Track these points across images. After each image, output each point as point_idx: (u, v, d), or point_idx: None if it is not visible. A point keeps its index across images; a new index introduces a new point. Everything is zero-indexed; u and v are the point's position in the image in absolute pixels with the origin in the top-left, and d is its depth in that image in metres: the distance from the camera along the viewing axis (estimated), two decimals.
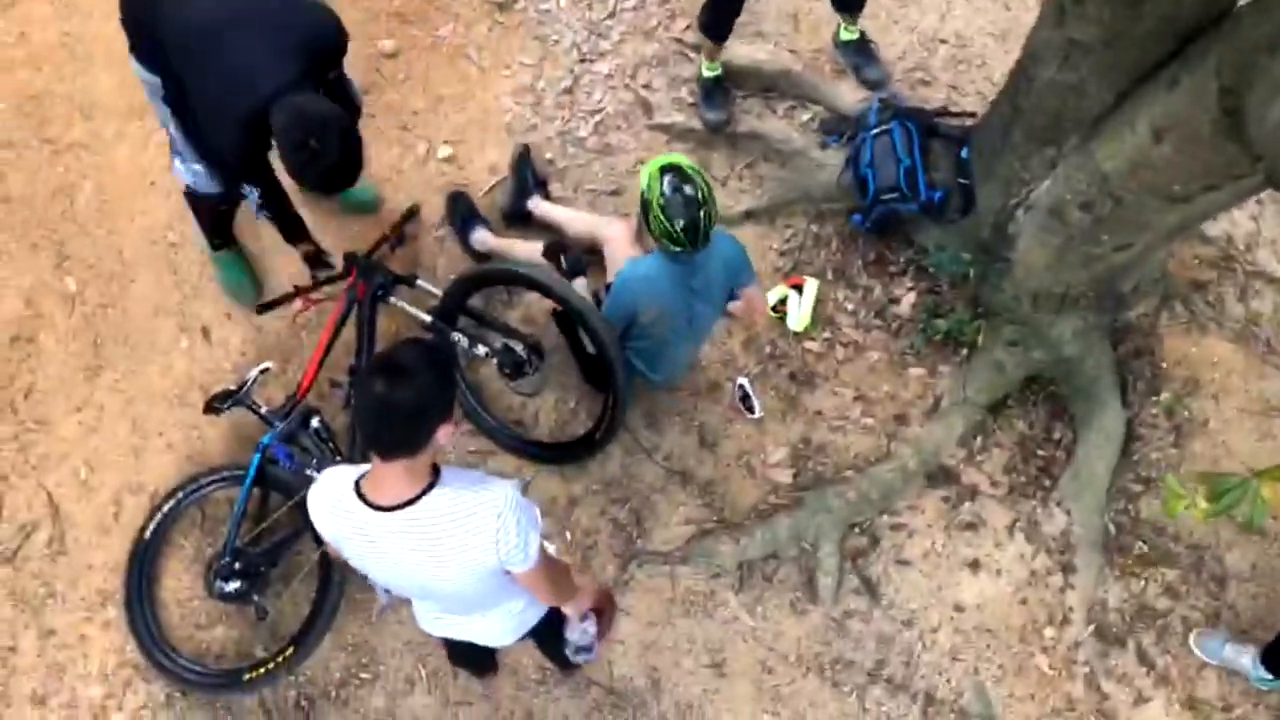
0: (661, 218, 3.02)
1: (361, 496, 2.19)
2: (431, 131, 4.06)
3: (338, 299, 3.51)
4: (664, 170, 3.07)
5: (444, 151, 4.04)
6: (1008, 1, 4.28)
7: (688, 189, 3.02)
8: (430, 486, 2.18)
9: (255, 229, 3.80)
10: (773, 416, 3.81)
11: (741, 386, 3.80)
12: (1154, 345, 3.88)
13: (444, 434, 2.11)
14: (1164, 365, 3.88)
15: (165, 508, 3.48)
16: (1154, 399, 3.83)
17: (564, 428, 3.76)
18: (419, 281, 3.59)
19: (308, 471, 3.36)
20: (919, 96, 4.10)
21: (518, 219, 3.91)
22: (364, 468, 2.24)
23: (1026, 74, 3.22)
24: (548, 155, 4.07)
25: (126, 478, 3.64)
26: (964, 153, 3.70)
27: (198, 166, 3.31)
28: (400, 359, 2.10)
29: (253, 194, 3.17)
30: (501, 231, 3.91)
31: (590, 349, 3.40)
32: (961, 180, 3.70)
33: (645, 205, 3.08)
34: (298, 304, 3.50)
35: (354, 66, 4.06)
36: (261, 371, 3.47)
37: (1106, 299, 3.69)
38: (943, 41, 4.23)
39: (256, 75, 2.80)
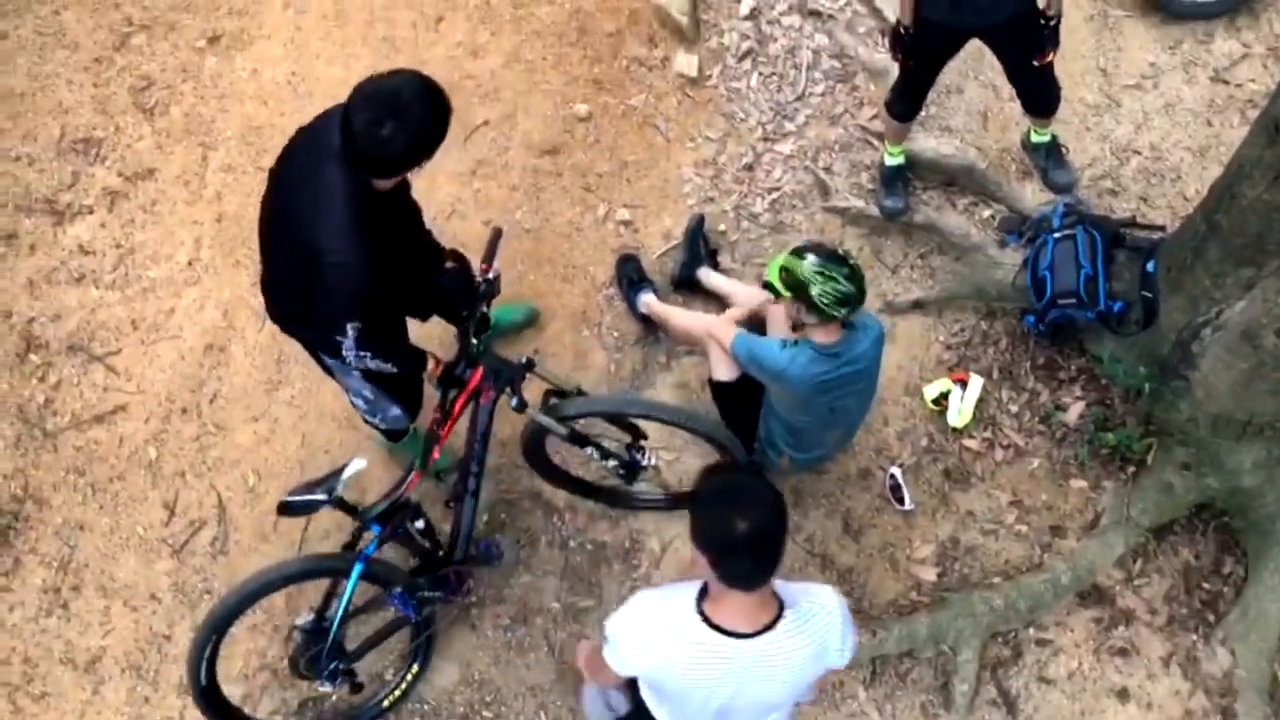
0: (826, 286, 2.90)
1: (713, 625, 2.15)
2: (613, 195, 4.21)
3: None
4: (794, 255, 3.00)
5: (622, 214, 4.17)
6: (1210, 118, 4.18)
7: (825, 254, 2.96)
8: (781, 606, 2.17)
9: None
10: (923, 511, 3.73)
11: (893, 476, 3.75)
12: None
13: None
14: None
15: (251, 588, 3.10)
16: None
17: None
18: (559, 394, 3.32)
19: (417, 580, 3.30)
20: (1106, 206, 4.03)
21: (685, 286, 3.99)
22: (688, 590, 2.21)
23: (1230, 191, 3.13)
24: (721, 227, 4.16)
25: (290, 489, 3.81)
26: (1150, 265, 3.60)
27: (393, 411, 3.36)
28: (742, 486, 2.09)
29: (349, 336, 2.79)
30: (667, 297, 3.99)
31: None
32: (1145, 293, 3.60)
33: (799, 290, 2.95)
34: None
35: (548, 126, 4.30)
36: (353, 470, 3.00)
37: None
38: (1136, 152, 4.15)
39: (321, 170, 2.66)
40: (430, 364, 3.12)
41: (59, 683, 3.61)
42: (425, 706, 3.55)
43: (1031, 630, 3.59)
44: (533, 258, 4.12)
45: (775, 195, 4.21)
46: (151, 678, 3.61)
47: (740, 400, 3.44)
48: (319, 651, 3.15)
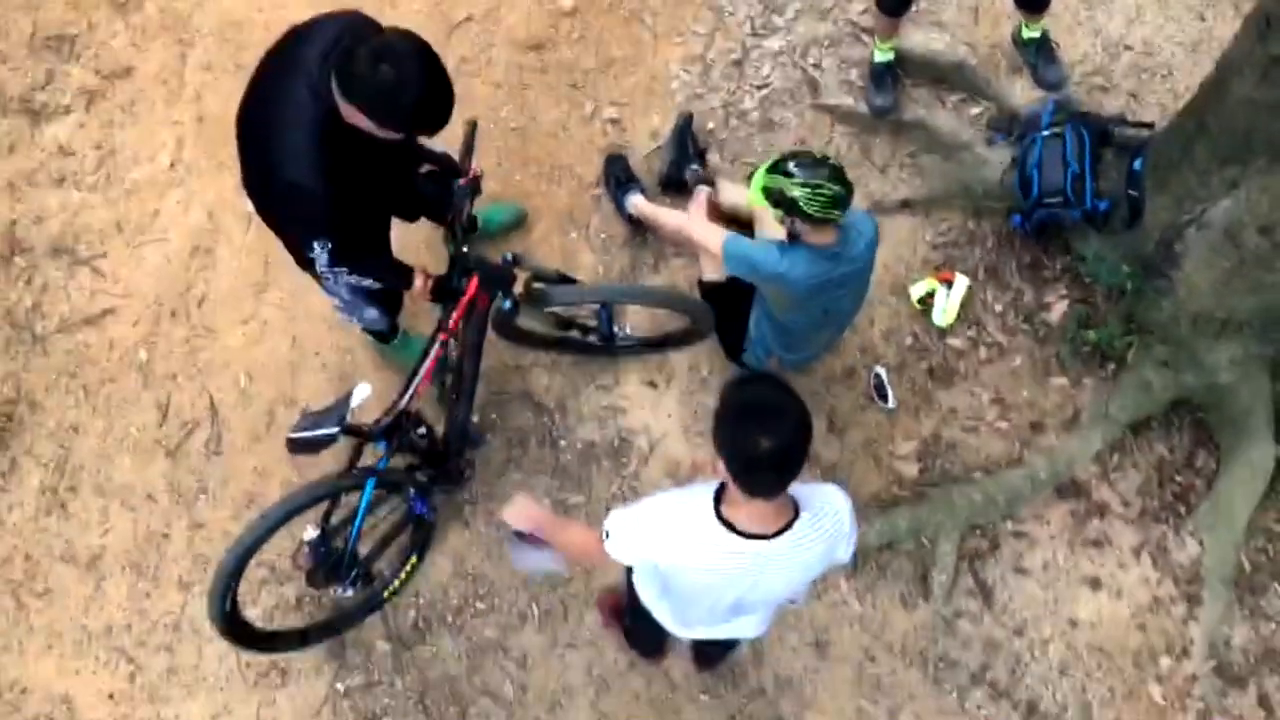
0: (812, 194, 2.88)
1: (732, 527, 2.20)
2: (600, 92, 4.15)
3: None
4: (773, 171, 2.96)
5: (609, 113, 4.12)
6: (1203, 12, 4.13)
7: (805, 162, 2.93)
8: (797, 509, 2.22)
9: None
10: (905, 409, 3.80)
11: (877, 375, 3.80)
12: None
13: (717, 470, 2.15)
14: None
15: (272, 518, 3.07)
16: None
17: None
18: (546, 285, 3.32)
19: (416, 474, 3.39)
20: (1096, 102, 4.00)
21: (673, 186, 3.97)
22: (705, 494, 2.24)
23: (1219, 89, 3.11)
24: (710, 125, 4.11)
25: (282, 390, 3.85)
26: (1137, 164, 3.59)
27: (370, 313, 3.35)
28: (766, 401, 2.09)
29: (321, 253, 2.77)
30: (655, 197, 3.97)
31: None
32: (1131, 192, 3.61)
33: (788, 204, 2.93)
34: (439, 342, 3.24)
35: (532, 21, 4.21)
36: (363, 399, 2.97)
37: (1272, 329, 3.55)
38: (1128, 48, 4.10)
39: (292, 86, 2.60)
40: (419, 280, 3.09)
41: (60, 580, 3.70)
42: (420, 599, 3.65)
43: (1009, 524, 3.69)
44: (518, 157, 4.08)
45: (764, 92, 4.16)
46: (151, 574, 3.70)
47: (730, 299, 3.47)
48: (338, 562, 3.22)
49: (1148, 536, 3.67)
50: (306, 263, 2.95)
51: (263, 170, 2.73)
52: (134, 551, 3.72)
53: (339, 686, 3.57)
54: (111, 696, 3.59)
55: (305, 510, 3.09)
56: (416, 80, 2.49)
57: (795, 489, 2.23)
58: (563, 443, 3.81)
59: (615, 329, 3.66)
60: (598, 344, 3.71)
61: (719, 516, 2.21)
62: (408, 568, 3.57)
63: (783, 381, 2.16)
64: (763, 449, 2.02)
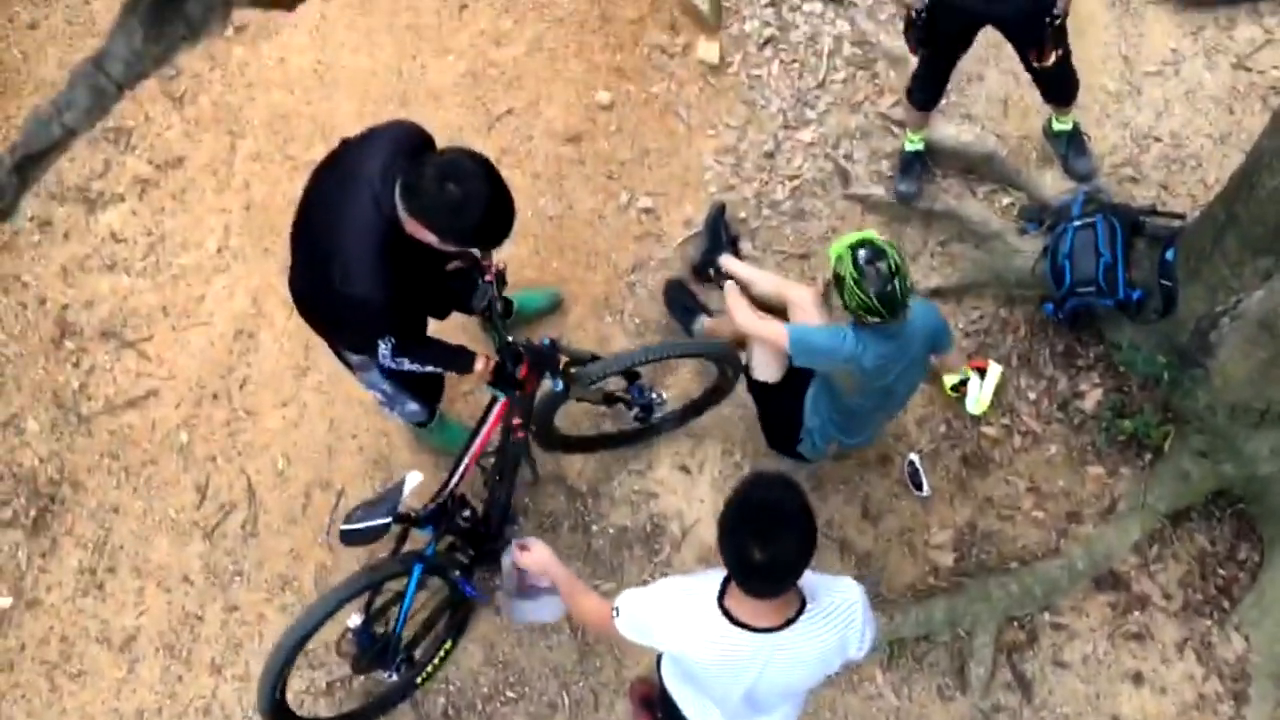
0: (857, 291, 3.00)
1: (732, 618, 2.19)
2: (635, 182, 4.25)
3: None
4: (856, 246, 3.06)
5: (644, 202, 4.21)
6: (1232, 105, 4.18)
7: (881, 263, 3.01)
8: (803, 603, 2.20)
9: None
10: (940, 497, 3.78)
11: (912, 463, 3.79)
12: None
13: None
14: None
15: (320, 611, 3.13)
16: None
17: None
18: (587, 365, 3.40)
19: (458, 555, 3.41)
20: (1126, 193, 4.03)
21: (706, 275, 4.03)
22: (712, 582, 2.23)
23: (1249, 181, 3.14)
24: (742, 214, 4.19)
25: (319, 473, 3.90)
26: (1169, 254, 3.61)
27: (411, 406, 3.41)
28: (767, 510, 2.05)
29: (385, 346, 2.87)
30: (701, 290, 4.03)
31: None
32: (1163, 281, 3.62)
33: (839, 281, 3.06)
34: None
35: (570, 114, 4.34)
36: (414, 489, 3.01)
37: None
38: (1157, 140, 4.16)
39: (353, 198, 2.69)
40: (480, 363, 3.14)
41: (95, 661, 3.72)
42: (451, 687, 3.63)
43: (1047, 615, 3.63)
44: (555, 244, 4.17)
45: (796, 183, 4.24)
46: (185, 657, 3.71)
47: (782, 398, 3.47)
48: (384, 647, 3.24)
49: (1191, 631, 3.60)
50: (351, 358, 3.10)
51: (323, 279, 2.77)
52: (168, 633, 3.74)
53: None
54: None
55: (356, 598, 3.12)
56: (482, 199, 2.61)
57: (806, 579, 2.20)
58: (595, 528, 3.81)
59: (653, 396, 3.64)
60: (637, 423, 3.70)
61: (722, 607, 2.19)
62: (442, 651, 3.56)
63: (793, 485, 2.11)
64: (757, 559, 1.99)
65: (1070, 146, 4.01)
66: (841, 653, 2.29)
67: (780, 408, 3.51)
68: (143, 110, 4.38)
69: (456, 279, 3.26)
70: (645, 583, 3.65)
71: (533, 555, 2.65)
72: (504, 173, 4.14)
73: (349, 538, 2.92)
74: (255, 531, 3.85)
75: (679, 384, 3.96)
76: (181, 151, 4.35)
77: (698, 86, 4.37)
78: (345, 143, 2.88)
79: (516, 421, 3.28)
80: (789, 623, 2.17)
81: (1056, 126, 4.00)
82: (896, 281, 3.02)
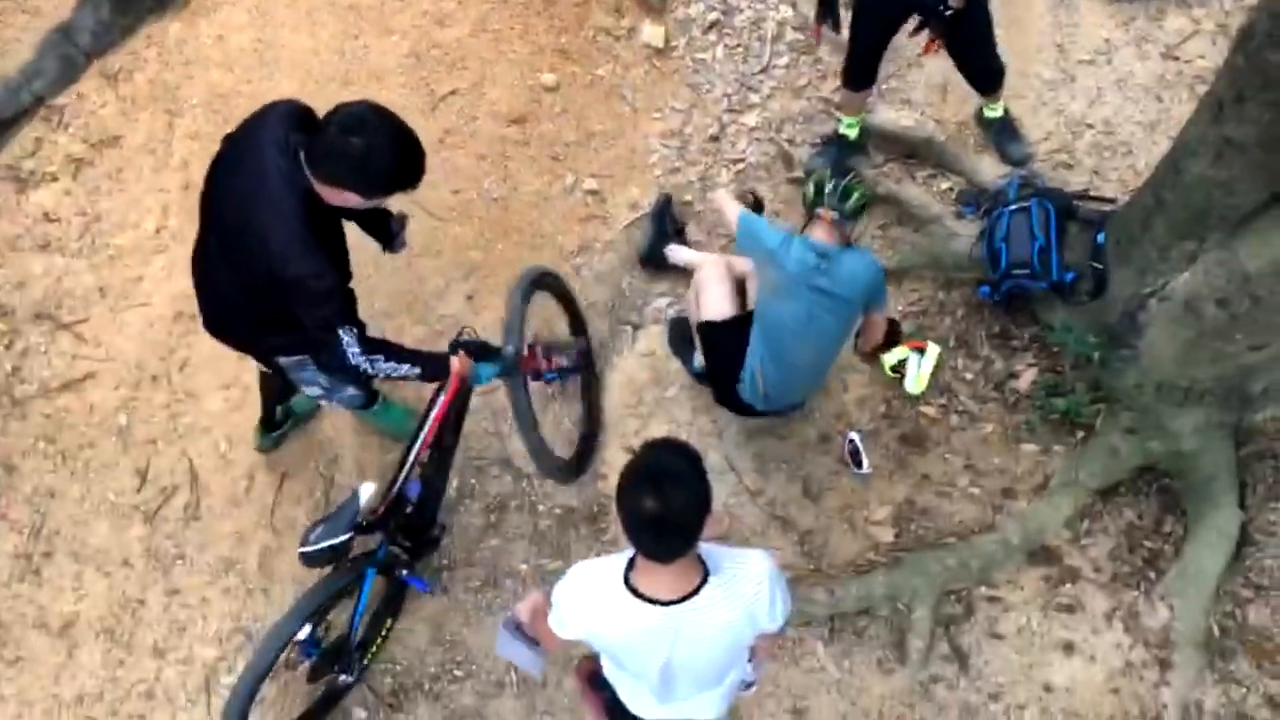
0: (835, 185, 3.37)
1: (636, 593, 2.22)
2: (580, 164, 4.26)
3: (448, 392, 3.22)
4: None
5: (589, 184, 4.23)
6: (1160, 93, 4.31)
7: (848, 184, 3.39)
8: (705, 574, 2.22)
9: None
10: (880, 475, 3.86)
11: (852, 441, 3.86)
12: (1279, 450, 3.81)
13: (718, 525, 2.16)
14: None
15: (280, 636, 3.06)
16: (1273, 505, 3.76)
17: None
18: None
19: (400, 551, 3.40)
20: (1060, 179, 4.14)
21: (651, 263, 4.07)
22: (619, 561, 2.27)
23: (1176, 166, 3.25)
24: (687, 198, 4.23)
25: (261, 456, 3.87)
26: (1100, 237, 3.72)
27: (350, 392, 3.37)
28: (659, 466, 2.11)
29: (348, 337, 2.76)
30: (632, 270, 4.07)
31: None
32: (1095, 264, 3.73)
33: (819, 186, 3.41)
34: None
35: (515, 96, 4.33)
36: (366, 498, 3.03)
37: (1233, 397, 3.66)
38: (1089, 126, 4.27)
39: (264, 164, 2.62)
40: (456, 363, 3.08)
41: (33, 647, 3.66)
42: (398, 666, 3.63)
43: (983, 588, 3.73)
44: (500, 226, 4.17)
45: (740, 166, 4.28)
46: (125, 641, 3.66)
47: (730, 338, 3.51)
48: (339, 652, 3.26)
49: (1119, 601, 3.72)
50: (282, 361, 3.06)
51: (263, 275, 2.66)
52: (108, 618, 3.69)
53: None
54: None
55: (319, 615, 3.09)
56: (389, 141, 2.57)
57: (710, 552, 2.25)
58: (541, 508, 3.83)
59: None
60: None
61: (628, 584, 2.23)
62: (385, 630, 3.57)
63: (692, 453, 2.16)
64: (647, 510, 2.05)
65: (1003, 133, 4.12)
66: (751, 624, 2.31)
67: (727, 349, 3.53)
68: (76, 88, 4.29)
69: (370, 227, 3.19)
70: None
71: (527, 604, 2.62)
72: (447, 154, 4.23)
73: (310, 559, 2.93)
74: (198, 515, 3.81)
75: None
76: (117, 130, 4.27)
77: (643, 69, 4.40)
78: (230, 139, 2.79)
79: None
80: (692, 594, 2.20)
81: (988, 114, 4.11)
82: (855, 190, 3.37)
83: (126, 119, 4.28)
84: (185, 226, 4.12)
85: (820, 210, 3.38)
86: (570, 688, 3.60)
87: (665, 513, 2.05)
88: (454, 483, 3.76)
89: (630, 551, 2.25)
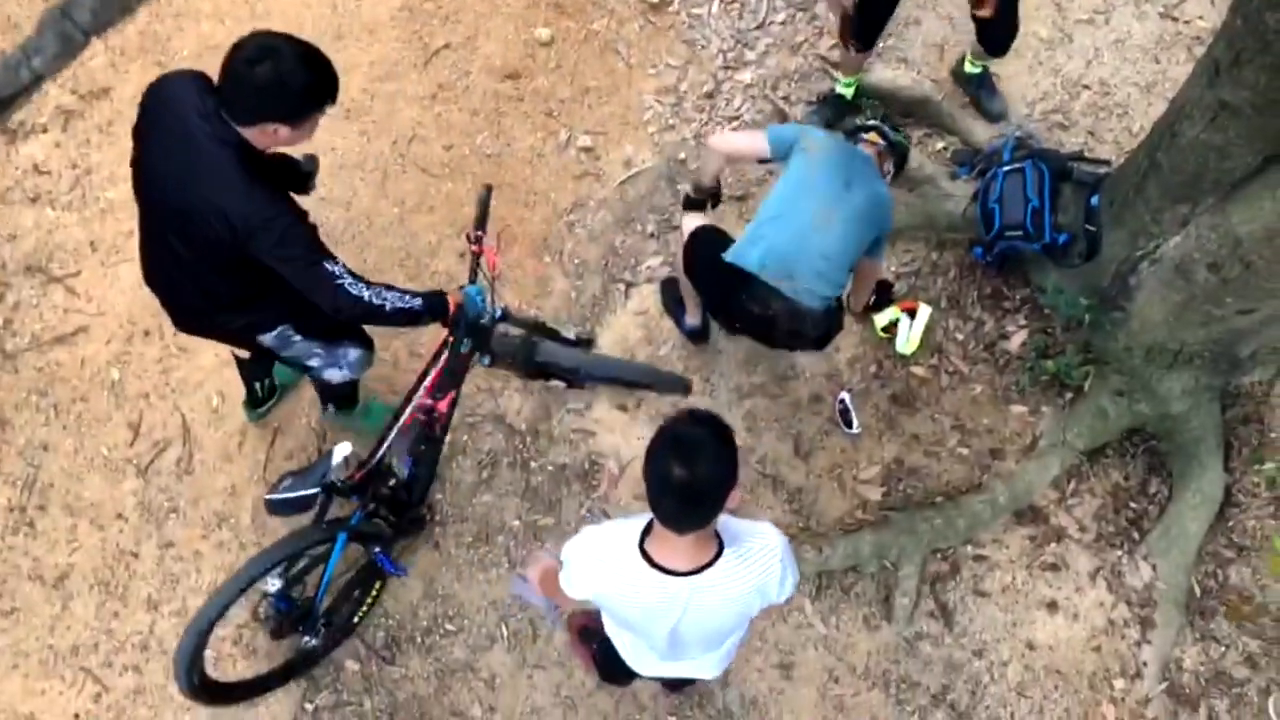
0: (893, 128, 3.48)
1: (651, 561, 2.23)
2: (574, 120, 4.23)
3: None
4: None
5: (584, 141, 4.21)
6: (1158, 54, 4.28)
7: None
8: (720, 547, 2.23)
9: None
10: (870, 434, 3.89)
11: (843, 401, 3.89)
12: (1264, 414, 3.84)
13: (733, 499, 2.14)
14: (1272, 435, 3.84)
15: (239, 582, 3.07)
16: (1257, 467, 3.80)
17: None
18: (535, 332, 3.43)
19: (380, 523, 3.39)
20: (1055, 139, 4.13)
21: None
22: (634, 526, 2.27)
23: (1171, 129, 3.24)
24: (681, 155, 4.21)
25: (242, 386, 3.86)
26: (1094, 199, 3.71)
27: (353, 353, 3.27)
28: (690, 437, 2.10)
29: (336, 268, 2.69)
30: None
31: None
32: (1088, 226, 3.72)
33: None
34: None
35: (509, 51, 4.29)
36: (344, 459, 3.05)
37: (1221, 361, 3.68)
38: (1086, 87, 4.25)
39: (190, 135, 2.55)
40: (452, 298, 3.02)
41: (28, 598, 3.69)
42: (390, 620, 3.68)
43: (969, 547, 3.78)
44: (494, 182, 4.11)
45: (735, 124, 4.26)
46: (120, 593, 3.70)
47: (714, 240, 3.37)
48: (304, 614, 3.26)
49: (1103, 561, 3.77)
50: (267, 340, 3.01)
51: (226, 245, 2.61)
52: (102, 570, 3.72)
53: (308, 706, 3.58)
54: (77, 717, 3.57)
55: (278, 567, 3.08)
56: (293, 58, 2.50)
57: (726, 524, 2.27)
58: (533, 465, 3.86)
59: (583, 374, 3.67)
60: (567, 386, 3.76)
61: (643, 551, 2.24)
62: (374, 592, 3.59)
63: (725, 428, 2.16)
64: (673, 477, 2.05)
65: (982, 88, 4.12)
66: (761, 596, 2.34)
67: (711, 247, 3.33)
68: None
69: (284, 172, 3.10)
70: (584, 519, 3.76)
71: (533, 568, 2.64)
72: (440, 109, 4.21)
73: (276, 507, 2.93)
74: (190, 469, 3.83)
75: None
76: (107, 82, 4.22)
77: (638, 24, 4.35)
78: (139, 131, 2.71)
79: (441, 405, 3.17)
80: (707, 566, 2.22)
81: (969, 69, 4.10)
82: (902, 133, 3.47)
83: (116, 71, 4.24)
84: None
85: (867, 135, 3.42)
86: (560, 642, 3.65)
87: (691, 482, 2.05)
88: (446, 439, 3.77)
89: (644, 518, 2.26)
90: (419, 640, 3.67)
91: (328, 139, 4.04)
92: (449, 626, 3.69)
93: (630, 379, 3.80)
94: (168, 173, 2.63)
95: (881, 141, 3.43)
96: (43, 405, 3.88)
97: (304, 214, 2.69)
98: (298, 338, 3.06)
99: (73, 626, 3.66)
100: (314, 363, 3.23)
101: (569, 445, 3.87)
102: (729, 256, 3.21)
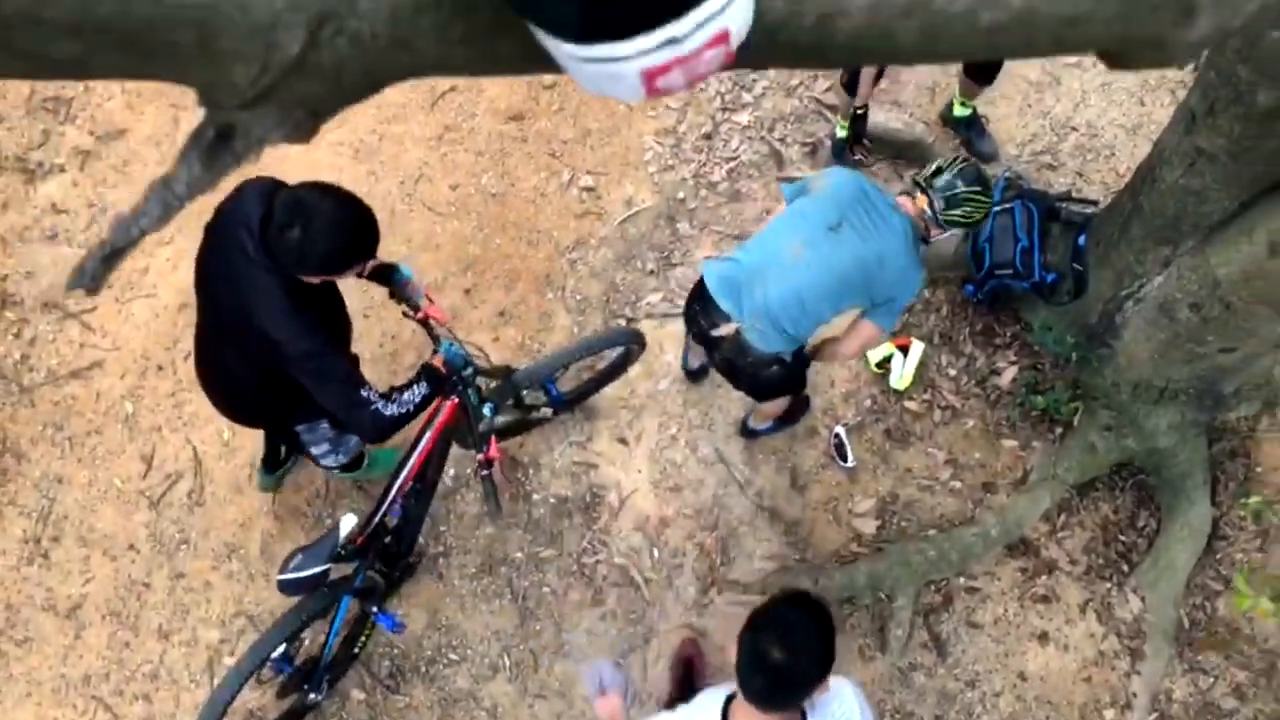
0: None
1: None
2: (577, 161, 4.36)
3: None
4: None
5: (585, 181, 4.33)
6: (1143, 97, 4.40)
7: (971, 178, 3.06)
8: (803, 715, 2.19)
9: None
10: (864, 468, 3.97)
11: (838, 435, 3.98)
12: (1250, 449, 3.93)
13: (823, 687, 2.11)
14: (1258, 470, 3.93)
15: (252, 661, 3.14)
16: (1243, 501, 3.88)
17: None
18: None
19: (377, 578, 3.45)
20: (1044, 180, 4.25)
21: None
22: (714, 705, 2.22)
23: (1152, 174, 3.34)
24: (680, 195, 4.32)
25: (263, 444, 3.97)
26: (1081, 239, 3.82)
27: (353, 440, 3.36)
28: (795, 621, 2.08)
29: (370, 395, 2.80)
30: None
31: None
32: (1076, 265, 3.83)
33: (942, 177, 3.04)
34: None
35: (513, 93, 4.41)
36: (347, 530, 3.09)
37: (1206, 397, 3.77)
38: (1074, 129, 4.37)
39: (241, 249, 2.66)
40: (436, 364, 3.13)
41: (41, 628, 3.78)
42: (395, 650, 3.76)
43: (962, 579, 3.86)
44: (498, 221, 4.27)
45: (732, 164, 4.38)
46: (131, 623, 3.78)
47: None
48: (310, 672, 3.36)
49: (1093, 593, 3.85)
50: (302, 435, 3.17)
51: (269, 356, 2.73)
52: (114, 600, 3.80)
53: None
54: None
55: (292, 640, 3.16)
56: (326, 226, 2.58)
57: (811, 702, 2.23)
58: (535, 497, 3.95)
59: (558, 391, 3.74)
60: (554, 408, 3.79)
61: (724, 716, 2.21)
62: (368, 630, 3.62)
63: (825, 613, 2.13)
64: (772, 659, 2.04)
65: (972, 129, 4.24)
66: None
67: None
68: (82, 81, 4.37)
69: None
70: (585, 550, 3.84)
71: (606, 704, 2.58)
72: (446, 149, 4.33)
73: (288, 587, 2.95)
74: (201, 501, 3.93)
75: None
76: (123, 123, 4.35)
77: None
78: (210, 229, 2.82)
79: (493, 453, 3.12)
80: None
81: (958, 112, 4.22)
82: (967, 205, 3.04)
83: (132, 112, 4.37)
84: (190, 218, 4.18)
85: (918, 194, 3.06)
86: (560, 672, 3.72)
87: (789, 667, 2.04)
88: (450, 471, 3.87)
89: (721, 692, 2.25)
90: (423, 670, 3.75)
91: (336, 178, 4.14)
92: (452, 656, 3.77)
93: (585, 354, 3.70)
94: (220, 278, 2.76)
95: (927, 210, 3.04)
96: (58, 438, 3.99)
97: (347, 342, 2.84)
98: (324, 427, 3.19)
99: (85, 656, 3.74)
100: (320, 448, 3.32)
101: (570, 478, 3.96)
102: (701, 267, 3.19)
